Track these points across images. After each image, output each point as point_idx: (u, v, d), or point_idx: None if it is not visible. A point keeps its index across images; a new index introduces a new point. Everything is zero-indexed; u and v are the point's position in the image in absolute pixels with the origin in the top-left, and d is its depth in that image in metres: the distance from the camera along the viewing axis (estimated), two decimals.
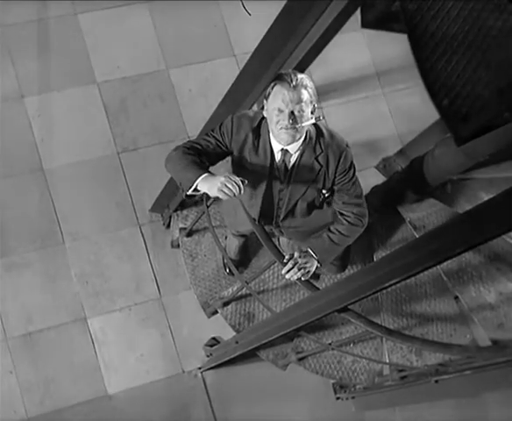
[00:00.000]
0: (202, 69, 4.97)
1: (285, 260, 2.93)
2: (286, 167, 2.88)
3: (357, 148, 4.90)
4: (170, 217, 4.39)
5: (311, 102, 2.71)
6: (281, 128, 2.72)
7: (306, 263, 2.91)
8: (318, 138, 2.83)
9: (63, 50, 4.78)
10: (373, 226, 4.26)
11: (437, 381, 3.53)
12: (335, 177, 2.88)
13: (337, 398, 4.54)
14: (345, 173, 2.88)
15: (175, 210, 4.27)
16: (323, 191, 2.94)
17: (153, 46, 4.95)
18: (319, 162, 2.84)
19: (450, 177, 4.13)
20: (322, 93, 5.01)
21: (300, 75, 2.67)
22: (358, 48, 5.19)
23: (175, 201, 4.15)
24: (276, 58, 2.61)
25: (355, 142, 4.97)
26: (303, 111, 2.69)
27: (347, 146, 2.86)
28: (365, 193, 4.32)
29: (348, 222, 2.97)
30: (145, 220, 4.60)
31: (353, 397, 4.49)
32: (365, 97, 5.14)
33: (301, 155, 2.84)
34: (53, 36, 4.78)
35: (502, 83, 1.54)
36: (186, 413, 4.40)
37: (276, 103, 2.69)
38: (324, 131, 2.85)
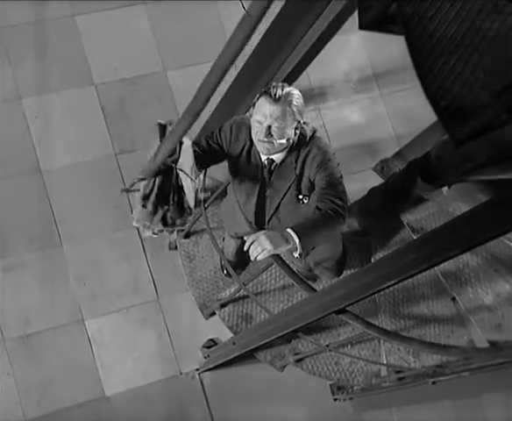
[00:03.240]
0: (200, 71, 4.93)
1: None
2: (270, 172, 2.93)
3: (354, 150, 4.94)
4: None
5: (294, 119, 2.72)
6: (258, 140, 2.76)
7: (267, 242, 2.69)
8: (300, 146, 2.86)
9: (61, 51, 4.79)
10: (370, 228, 4.27)
11: (434, 383, 3.54)
12: (313, 180, 2.88)
13: (335, 399, 4.54)
14: (324, 175, 2.86)
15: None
16: (300, 197, 2.96)
17: (151, 48, 4.95)
18: (296, 170, 2.88)
19: (447, 179, 4.13)
20: (319, 95, 5.02)
21: (286, 90, 2.69)
22: (355, 50, 5.19)
23: None
24: (274, 60, 2.62)
25: (353, 144, 5.00)
26: (281, 128, 2.71)
27: (332, 155, 2.87)
28: (362, 195, 4.36)
29: (326, 210, 2.89)
30: None
31: (351, 398, 4.49)
32: (362, 99, 5.14)
33: (282, 162, 2.87)
34: (50, 37, 4.78)
35: (500, 85, 1.54)
36: (183, 415, 4.39)
37: (257, 115, 2.73)
38: (309, 139, 2.86)
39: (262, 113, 2.71)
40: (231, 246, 3.99)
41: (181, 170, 2.53)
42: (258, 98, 2.73)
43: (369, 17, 3.98)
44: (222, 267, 4.19)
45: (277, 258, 3.07)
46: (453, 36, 1.58)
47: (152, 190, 2.55)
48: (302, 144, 2.85)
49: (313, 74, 4.94)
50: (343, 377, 4.18)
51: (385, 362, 4.12)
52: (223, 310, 4.08)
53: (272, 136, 2.72)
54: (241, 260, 4.09)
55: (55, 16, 4.84)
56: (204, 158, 2.87)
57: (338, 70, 5.07)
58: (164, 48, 4.96)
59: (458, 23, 1.59)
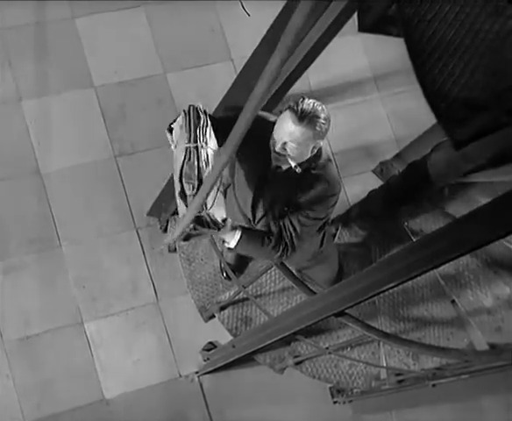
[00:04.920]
0: (200, 73, 4.97)
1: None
2: (274, 174, 2.91)
3: (354, 152, 4.95)
4: (167, 220, 4.39)
5: (313, 142, 2.70)
6: (272, 149, 2.75)
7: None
8: (310, 165, 2.84)
9: (61, 54, 4.78)
10: (370, 231, 4.27)
11: (434, 385, 3.53)
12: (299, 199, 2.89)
13: (335, 402, 4.54)
14: (307, 206, 2.88)
15: (172, 214, 4.27)
16: (285, 209, 2.93)
17: (151, 51, 4.95)
18: (296, 189, 2.87)
19: (447, 181, 4.13)
20: (319, 97, 5.01)
21: (313, 111, 2.64)
22: (355, 52, 5.19)
23: (172, 205, 4.15)
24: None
25: (352, 146, 5.00)
26: (296, 148, 2.70)
27: (332, 195, 2.89)
28: (362, 197, 4.36)
29: (274, 237, 2.92)
30: (143, 224, 4.60)
31: (351, 401, 4.49)
32: (362, 101, 5.14)
33: (287, 171, 2.86)
34: (50, 39, 4.78)
35: (499, 87, 1.54)
36: (183, 418, 4.39)
37: (278, 127, 2.71)
38: (321, 165, 2.85)
39: (283, 128, 2.68)
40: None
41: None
42: (285, 109, 2.70)
43: (369, 19, 3.98)
44: (221, 269, 4.19)
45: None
46: (453, 38, 1.58)
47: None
48: (314, 165, 2.84)
49: (313, 77, 4.94)
50: (342, 380, 4.18)
51: (384, 365, 4.12)
52: (222, 312, 4.08)
53: (285, 151, 2.72)
54: (240, 263, 4.10)
55: (55, 18, 4.84)
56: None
57: (338, 72, 5.07)
58: (164, 51, 4.96)
59: (457, 25, 1.59)
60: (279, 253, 2.92)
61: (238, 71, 2.90)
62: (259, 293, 4.08)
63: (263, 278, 4.06)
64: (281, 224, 2.90)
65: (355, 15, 3.61)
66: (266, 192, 2.98)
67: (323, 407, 4.54)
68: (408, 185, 4.20)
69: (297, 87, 4.21)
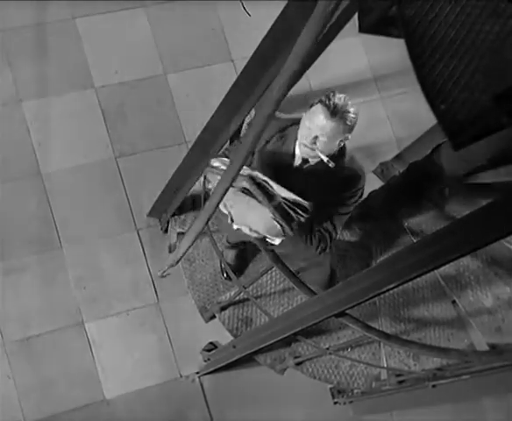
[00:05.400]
0: (200, 74, 4.97)
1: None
2: (299, 172, 2.90)
3: (354, 153, 4.93)
4: (168, 221, 4.39)
5: (342, 136, 2.74)
6: (302, 142, 2.77)
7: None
8: (337, 160, 2.86)
9: (61, 54, 4.79)
10: (370, 232, 4.27)
11: (434, 386, 3.53)
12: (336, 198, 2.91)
13: (335, 403, 4.54)
14: (347, 199, 2.90)
15: (173, 215, 4.27)
16: (319, 206, 2.96)
17: (151, 51, 4.95)
18: (328, 183, 2.90)
19: (447, 182, 4.13)
20: (319, 98, 5.01)
21: (344, 106, 2.68)
22: (355, 53, 5.20)
23: (173, 205, 4.15)
24: (274, 63, 2.61)
25: (353, 147, 4.98)
26: (327, 142, 2.72)
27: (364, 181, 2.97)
28: (362, 198, 4.36)
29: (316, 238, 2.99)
30: (143, 225, 4.60)
31: (351, 402, 4.49)
32: (362, 102, 5.14)
33: (315, 167, 2.87)
34: (51, 40, 4.79)
35: (500, 88, 1.54)
36: (183, 418, 4.39)
37: (309, 121, 2.74)
38: (346, 160, 2.91)
39: (314, 122, 2.71)
40: (230, 250, 3.99)
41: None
42: (316, 103, 2.72)
43: (369, 20, 3.98)
44: (222, 270, 4.19)
45: (277, 261, 3.07)
46: (453, 39, 1.58)
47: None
48: (342, 159, 2.87)
49: (313, 78, 4.95)
50: (343, 380, 4.18)
51: (385, 365, 4.12)
52: (223, 313, 4.08)
53: (316, 145, 2.73)
54: (240, 263, 4.10)
55: (56, 18, 4.84)
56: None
57: (338, 73, 5.07)
58: (164, 51, 4.97)
59: (458, 26, 1.59)
60: (319, 250, 3.00)
61: (239, 71, 2.89)
62: (259, 293, 4.08)
63: (264, 279, 4.06)
64: (319, 222, 2.96)
65: (356, 16, 3.62)
66: (294, 188, 2.99)
67: (323, 408, 4.54)
68: (408, 186, 4.20)
69: (297, 88, 4.24)
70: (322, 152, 2.77)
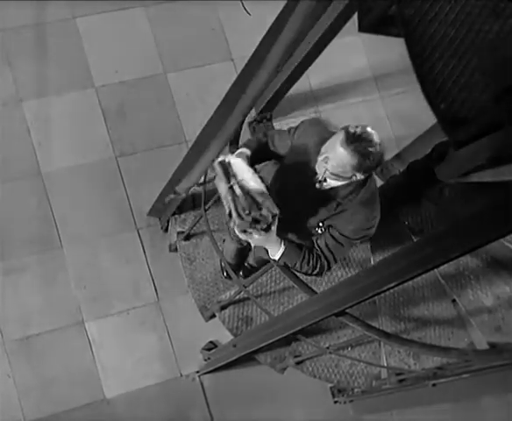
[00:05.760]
0: (200, 73, 4.97)
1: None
2: (314, 187, 2.92)
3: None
4: (168, 220, 4.39)
5: (353, 169, 2.69)
6: (319, 155, 2.76)
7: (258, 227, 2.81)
8: (350, 193, 2.85)
9: (61, 54, 4.79)
10: None
11: (434, 385, 3.53)
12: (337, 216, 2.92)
13: (335, 402, 4.54)
14: (346, 227, 2.91)
15: (173, 214, 4.27)
16: (320, 225, 2.96)
17: (151, 50, 4.95)
18: (337, 207, 2.88)
19: (447, 181, 4.13)
20: (319, 97, 5.02)
21: (365, 142, 2.62)
22: (355, 52, 5.19)
23: (173, 205, 4.16)
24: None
25: None
26: (335, 167, 2.71)
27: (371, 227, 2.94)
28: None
29: (315, 262, 2.97)
30: (143, 224, 4.60)
31: (351, 401, 4.49)
32: (362, 101, 5.14)
33: (331, 189, 2.87)
34: (51, 40, 4.79)
35: (499, 88, 1.54)
36: (183, 417, 4.39)
37: (328, 144, 2.72)
38: (363, 197, 2.87)
39: (331, 143, 2.69)
40: (230, 249, 3.99)
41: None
42: (340, 130, 2.69)
43: (369, 19, 3.98)
44: (222, 269, 4.20)
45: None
46: (453, 38, 1.59)
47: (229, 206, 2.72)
48: (352, 195, 2.86)
49: (313, 77, 4.94)
50: (343, 379, 4.18)
51: (385, 364, 4.12)
52: (223, 312, 4.08)
53: (326, 164, 2.73)
54: (240, 262, 4.10)
55: (56, 18, 4.84)
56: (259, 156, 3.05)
57: (338, 72, 5.07)
58: (164, 51, 4.97)
59: (457, 25, 1.60)
60: (315, 273, 2.98)
61: (239, 71, 2.90)
62: (259, 293, 4.08)
63: (264, 278, 4.05)
64: (318, 245, 2.95)
65: (355, 15, 3.62)
66: (308, 205, 2.99)
67: (323, 407, 4.55)
68: (408, 185, 4.20)
69: (297, 86, 4.25)
70: (329, 174, 2.76)
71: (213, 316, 4.17)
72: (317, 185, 2.87)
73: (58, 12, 4.86)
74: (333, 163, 2.69)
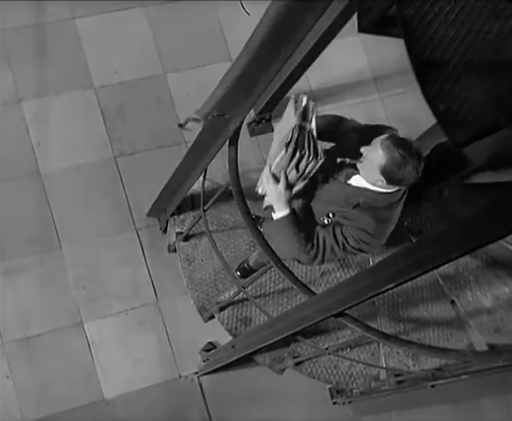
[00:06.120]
0: (200, 74, 4.97)
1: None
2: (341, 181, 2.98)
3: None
4: (167, 221, 4.39)
5: (379, 170, 2.72)
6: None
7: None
8: (377, 203, 2.88)
9: (61, 54, 4.78)
10: None
11: (433, 386, 3.53)
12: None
13: (334, 403, 4.53)
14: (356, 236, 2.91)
15: (172, 215, 4.27)
16: (330, 215, 2.97)
17: (151, 51, 4.95)
18: (353, 209, 2.90)
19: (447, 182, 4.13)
20: (318, 97, 5.01)
21: (401, 149, 2.62)
22: (354, 53, 5.19)
23: (172, 205, 4.16)
24: (273, 62, 2.62)
25: None
26: (363, 164, 2.80)
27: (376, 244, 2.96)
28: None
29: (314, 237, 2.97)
30: (142, 225, 4.60)
31: (350, 402, 4.49)
32: (361, 102, 5.14)
33: (355, 188, 2.91)
34: (50, 40, 4.78)
35: (499, 89, 1.54)
36: (182, 418, 4.39)
37: (373, 144, 2.74)
38: (380, 206, 2.89)
39: (374, 142, 2.73)
40: (255, 254, 3.99)
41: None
42: (388, 132, 2.77)
43: (369, 20, 3.99)
44: (238, 267, 4.16)
45: (277, 261, 3.06)
46: (453, 39, 1.58)
47: (291, 137, 2.76)
48: (366, 202, 2.88)
49: (313, 77, 4.94)
50: (342, 380, 4.18)
51: (384, 365, 4.12)
52: (222, 313, 4.08)
53: (360, 157, 2.78)
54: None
55: (55, 18, 4.83)
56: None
57: (337, 73, 5.07)
58: (164, 51, 4.96)
59: (457, 26, 1.60)
60: (297, 257, 2.98)
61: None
62: (258, 293, 4.08)
63: (263, 278, 4.06)
64: (317, 233, 2.94)
65: (355, 15, 3.62)
66: (329, 193, 3.03)
67: (322, 408, 4.54)
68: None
69: (297, 87, 4.24)
70: (359, 169, 2.83)
71: (212, 317, 4.17)
72: (344, 178, 2.95)
73: (58, 13, 4.85)
74: (364, 159, 2.75)
